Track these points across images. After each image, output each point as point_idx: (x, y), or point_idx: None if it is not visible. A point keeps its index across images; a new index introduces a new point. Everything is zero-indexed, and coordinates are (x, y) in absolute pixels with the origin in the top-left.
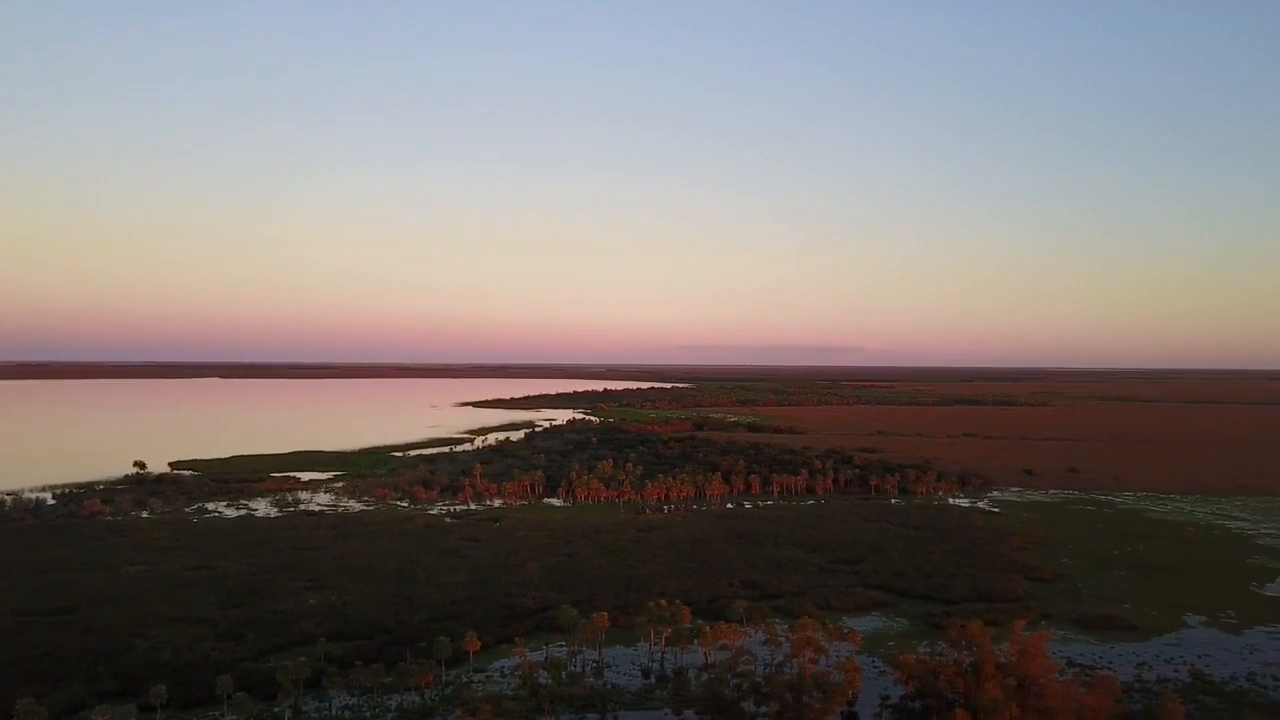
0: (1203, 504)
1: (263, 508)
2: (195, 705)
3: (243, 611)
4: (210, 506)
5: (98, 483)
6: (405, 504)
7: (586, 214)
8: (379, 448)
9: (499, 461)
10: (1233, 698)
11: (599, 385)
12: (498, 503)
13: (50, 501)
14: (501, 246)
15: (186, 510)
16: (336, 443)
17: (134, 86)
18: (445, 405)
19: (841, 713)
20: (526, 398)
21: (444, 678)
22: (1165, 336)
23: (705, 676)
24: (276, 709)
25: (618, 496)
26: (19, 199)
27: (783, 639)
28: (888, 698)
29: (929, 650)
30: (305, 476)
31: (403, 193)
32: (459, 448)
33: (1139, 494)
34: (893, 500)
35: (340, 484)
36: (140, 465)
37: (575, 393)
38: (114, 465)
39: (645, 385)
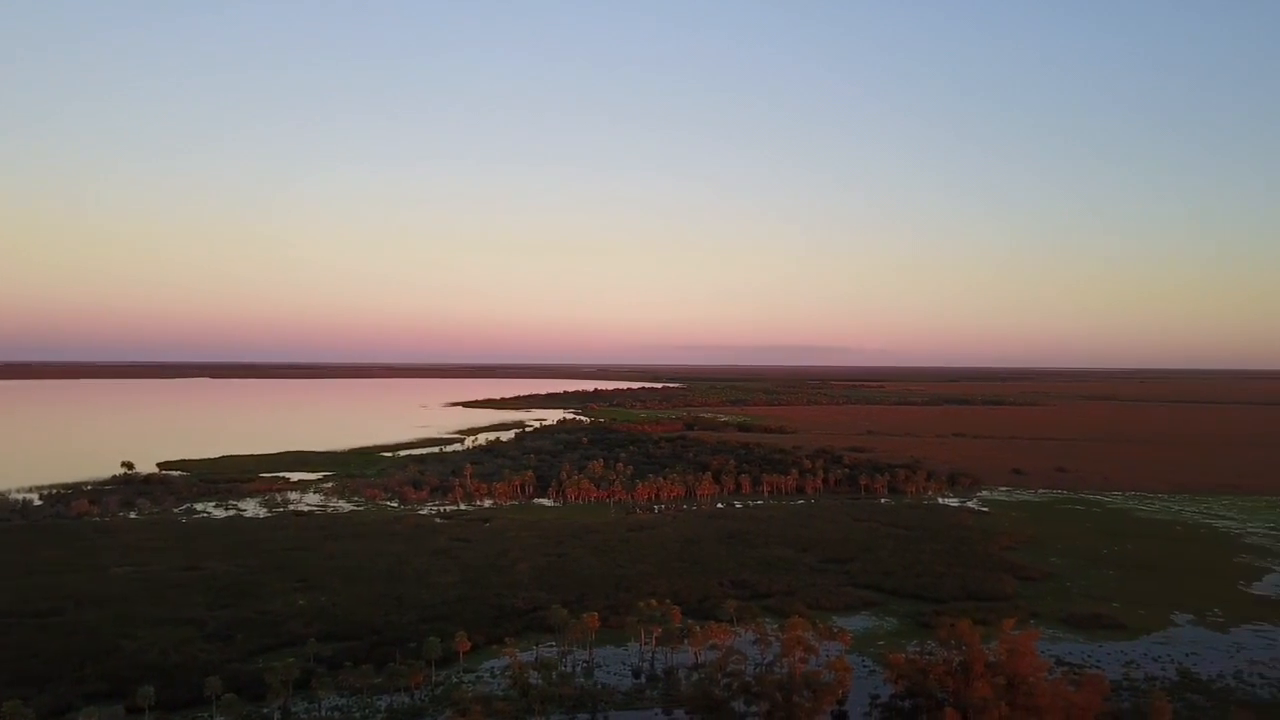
0: (1190, 503)
1: (252, 508)
2: (183, 707)
3: (231, 612)
4: (199, 507)
5: (85, 483)
6: (395, 504)
7: (585, 214)
8: (369, 448)
9: (489, 461)
10: (1220, 696)
11: (589, 385)
12: (488, 503)
13: (37, 502)
14: (500, 246)
15: (175, 511)
16: (326, 443)
17: (131, 86)
18: (435, 405)
19: (831, 712)
20: (517, 398)
21: (434, 678)
22: (1163, 336)
23: (696, 676)
24: (265, 710)
25: (608, 496)
26: (15, 198)
27: (773, 638)
28: (877, 697)
29: (918, 649)
30: (294, 477)
31: (400, 192)
32: (449, 448)
33: (1127, 493)
34: (882, 500)
35: (330, 484)
36: (128, 465)
37: (566, 393)
38: (102, 465)
39: (636, 385)
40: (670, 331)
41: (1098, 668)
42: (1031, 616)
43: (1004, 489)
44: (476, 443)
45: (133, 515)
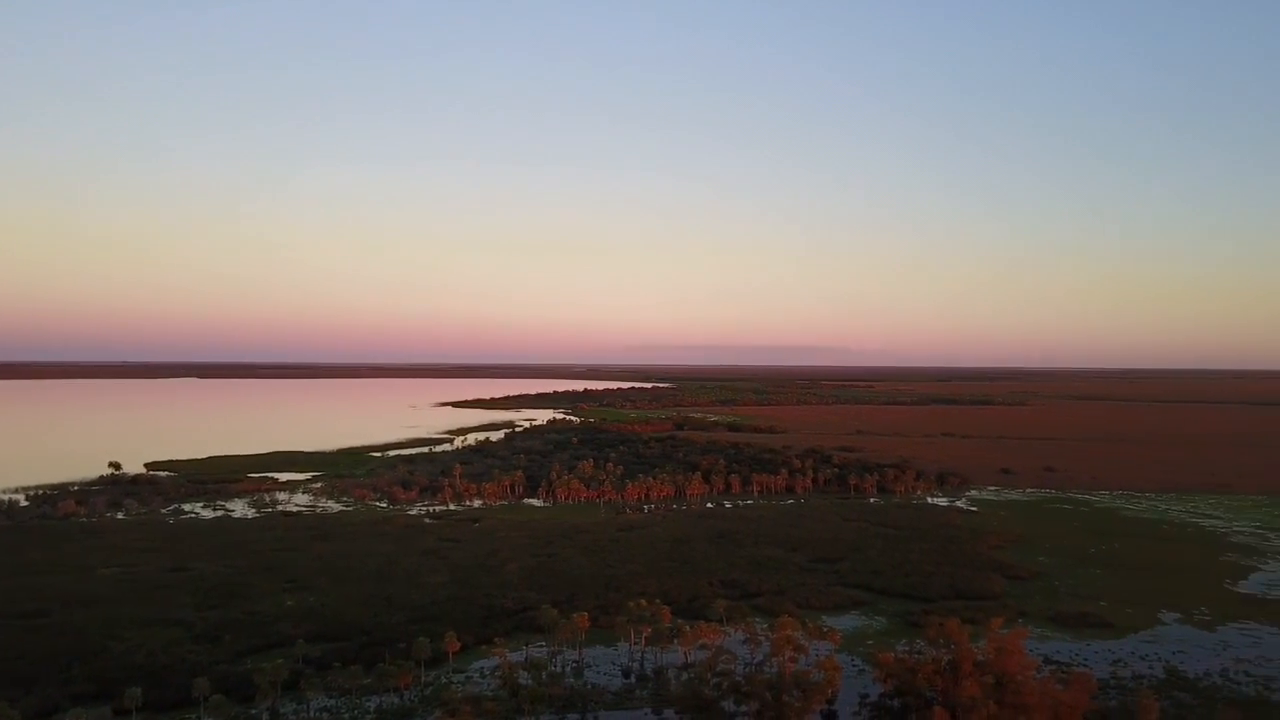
0: (1177, 502)
1: (240, 508)
2: (171, 708)
3: (219, 613)
4: (187, 507)
5: (72, 484)
6: (384, 504)
7: (584, 213)
8: (358, 448)
9: (479, 462)
10: (1206, 694)
11: (579, 385)
12: (477, 503)
13: (23, 503)
14: (499, 247)
15: (162, 511)
16: (315, 443)
17: (128, 85)
18: (424, 406)
19: (821, 711)
20: (507, 398)
21: (423, 679)
22: (1161, 336)
23: (685, 676)
24: (253, 711)
25: (598, 496)
26: (8, 196)
27: (763, 638)
28: (867, 696)
29: (907, 648)
30: (283, 477)
31: (398, 192)
32: (438, 448)
33: (1115, 493)
34: (871, 499)
35: (319, 484)
36: (115, 466)
37: (555, 393)
38: (89, 466)
39: (626, 385)
40: (669, 332)
41: (1085, 666)
42: (1020, 615)
43: (992, 488)
44: (466, 443)
45: (120, 516)
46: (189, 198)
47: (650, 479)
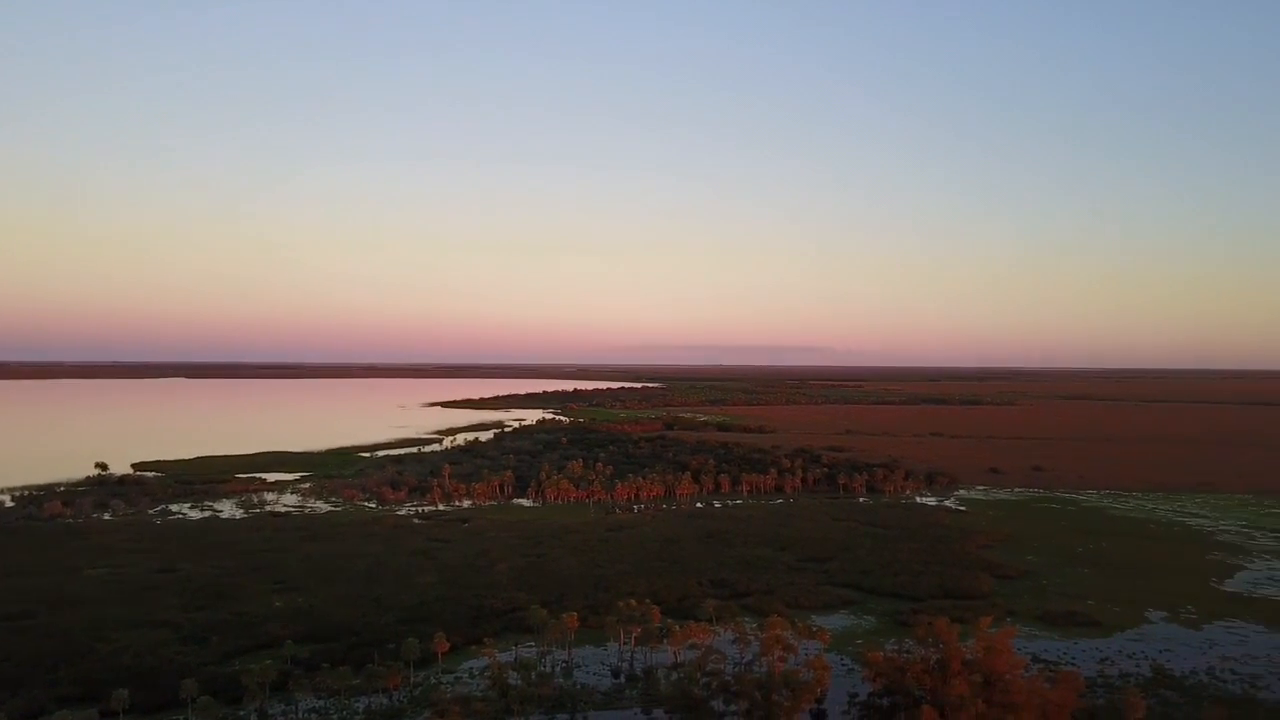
0: (1164, 501)
1: (228, 509)
2: (158, 710)
3: (207, 614)
4: (174, 508)
5: (58, 485)
6: (373, 505)
7: (583, 214)
8: (346, 448)
9: (468, 462)
10: (1193, 692)
11: (569, 385)
12: (466, 503)
13: (9, 504)
14: (498, 247)
15: (150, 512)
16: (303, 443)
17: (125, 84)
18: (414, 406)
19: (810, 710)
20: (496, 398)
21: (412, 679)
22: (1159, 337)
23: (675, 675)
24: (242, 712)
25: (587, 496)
26: (7, 197)
27: (752, 637)
28: (856, 695)
29: (896, 647)
30: (271, 477)
31: (397, 192)
32: (427, 448)
33: (1102, 492)
34: (861, 499)
35: (307, 485)
36: (102, 466)
37: (545, 393)
38: (75, 467)
39: (615, 385)
40: (669, 331)
41: (1073, 665)
42: (1008, 614)
43: (981, 488)
44: (455, 443)
45: (106, 517)
46: (188, 197)
47: (640, 479)
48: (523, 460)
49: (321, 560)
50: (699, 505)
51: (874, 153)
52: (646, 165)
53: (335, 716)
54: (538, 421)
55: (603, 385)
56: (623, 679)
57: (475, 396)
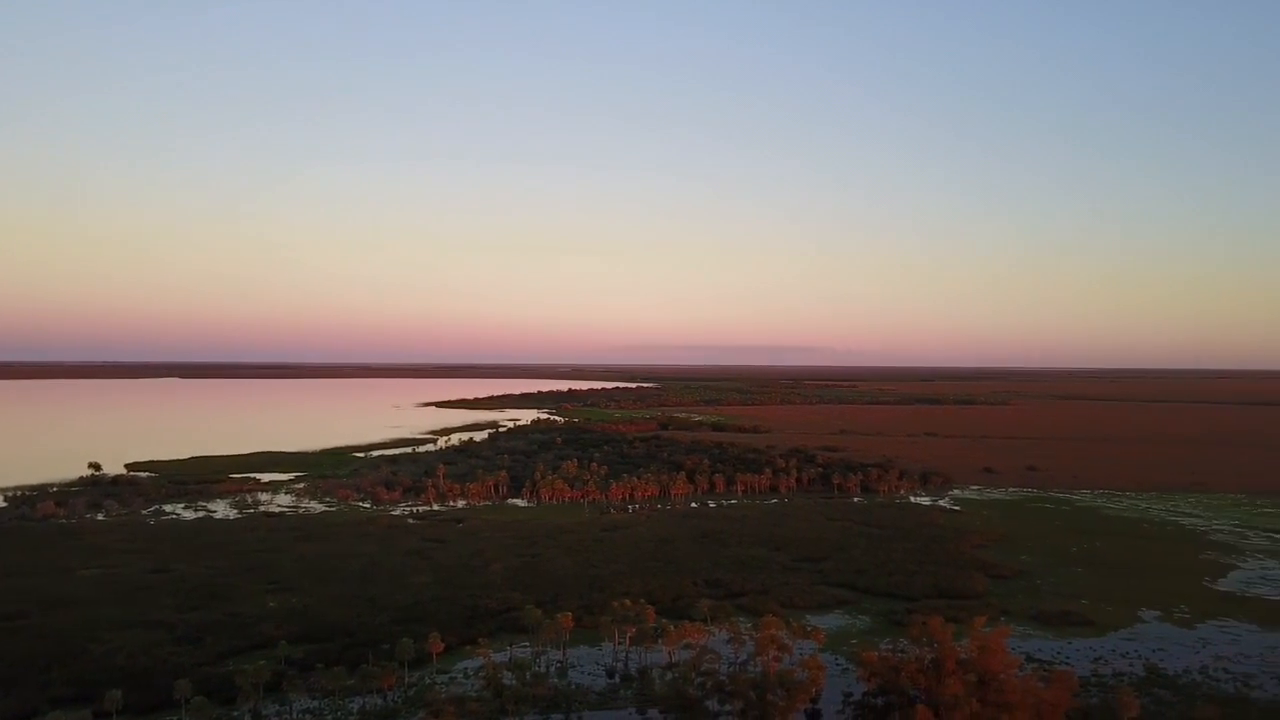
0: (1157, 501)
1: (222, 509)
2: (152, 710)
3: (201, 615)
4: (168, 508)
5: (51, 485)
6: (367, 505)
7: (583, 214)
8: (341, 448)
9: (462, 462)
10: (1186, 691)
11: (564, 385)
12: (461, 503)
13: (2, 504)
14: (497, 247)
15: (143, 512)
16: (298, 443)
17: (123, 84)
18: (408, 406)
19: (805, 710)
20: (491, 398)
21: (407, 679)
22: (1159, 336)
23: (670, 675)
24: (235, 713)
25: (582, 496)
26: (7, 197)
27: (747, 637)
28: (850, 694)
29: (891, 647)
30: (265, 478)
31: (398, 192)
32: (422, 448)
33: (1096, 492)
34: (855, 499)
35: (301, 485)
36: (95, 467)
37: (540, 393)
38: (68, 467)
39: (610, 385)
40: (669, 331)
41: (1067, 664)
42: (1002, 614)
43: (975, 488)
44: (450, 443)
45: (100, 517)
46: (188, 197)
47: (634, 479)
48: (517, 460)
49: (316, 560)
50: (694, 505)
51: (874, 153)
52: (646, 165)
53: (329, 717)
54: (532, 421)
55: (597, 385)
56: (618, 679)
57: (470, 396)
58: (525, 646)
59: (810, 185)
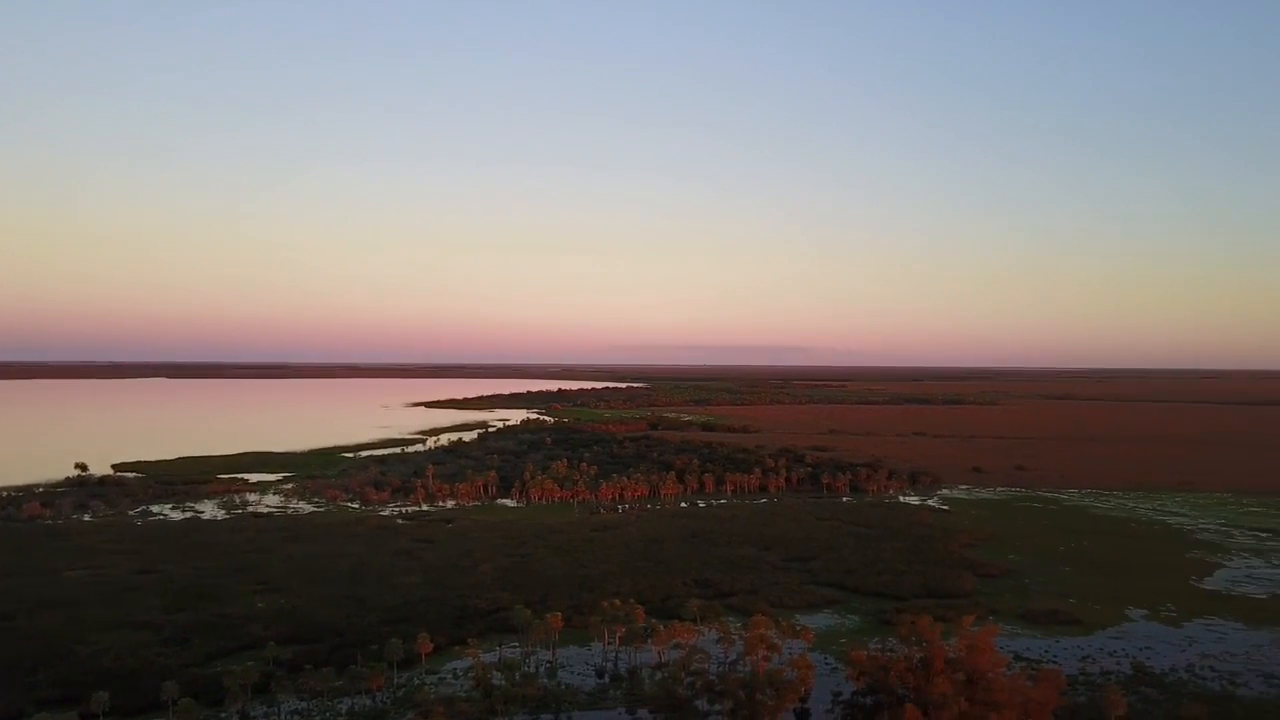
0: (1144, 500)
1: (209, 510)
2: (139, 712)
3: (188, 616)
4: (155, 509)
5: (37, 485)
6: (356, 505)
7: (583, 214)
8: (329, 448)
9: (452, 462)
10: (1172, 689)
11: (554, 385)
12: (450, 504)
13: None
14: (496, 247)
15: (130, 513)
16: (286, 443)
17: (122, 83)
18: (398, 406)
19: (794, 709)
20: (480, 398)
21: (396, 680)
22: (1159, 336)
23: (659, 675)
24: (223, 714)
25: (572, 496)
26: (7, 197)
27: (736, 637)
28: (840, 694)
29: (880, 646)
30: (254, 478)
31: (398, 192)
32: (411, 448)
33: (1084, 491)
34: (844, 498)
35: (290, 485)
36: (82, 467)
37: (529, 393)
38: (54, 467)
39: (600, 385)
40: (669, 332)
41: (1055, 663)
42: (990, 613)
43: (964, 487)
44: (439, 443)
45: (86, 518)
46: (188, 197)
47: (624, 479)
48: (507, 460)
49: (304, 561)
50: (683, 505)
51: (874, 153)
52: (646, 165)
53: (318, 718)
54: (522, 421)
55: (587, 385)
56: (607, 679)
57: (459, 396)
58: (515, 647)
59: (810, 185)
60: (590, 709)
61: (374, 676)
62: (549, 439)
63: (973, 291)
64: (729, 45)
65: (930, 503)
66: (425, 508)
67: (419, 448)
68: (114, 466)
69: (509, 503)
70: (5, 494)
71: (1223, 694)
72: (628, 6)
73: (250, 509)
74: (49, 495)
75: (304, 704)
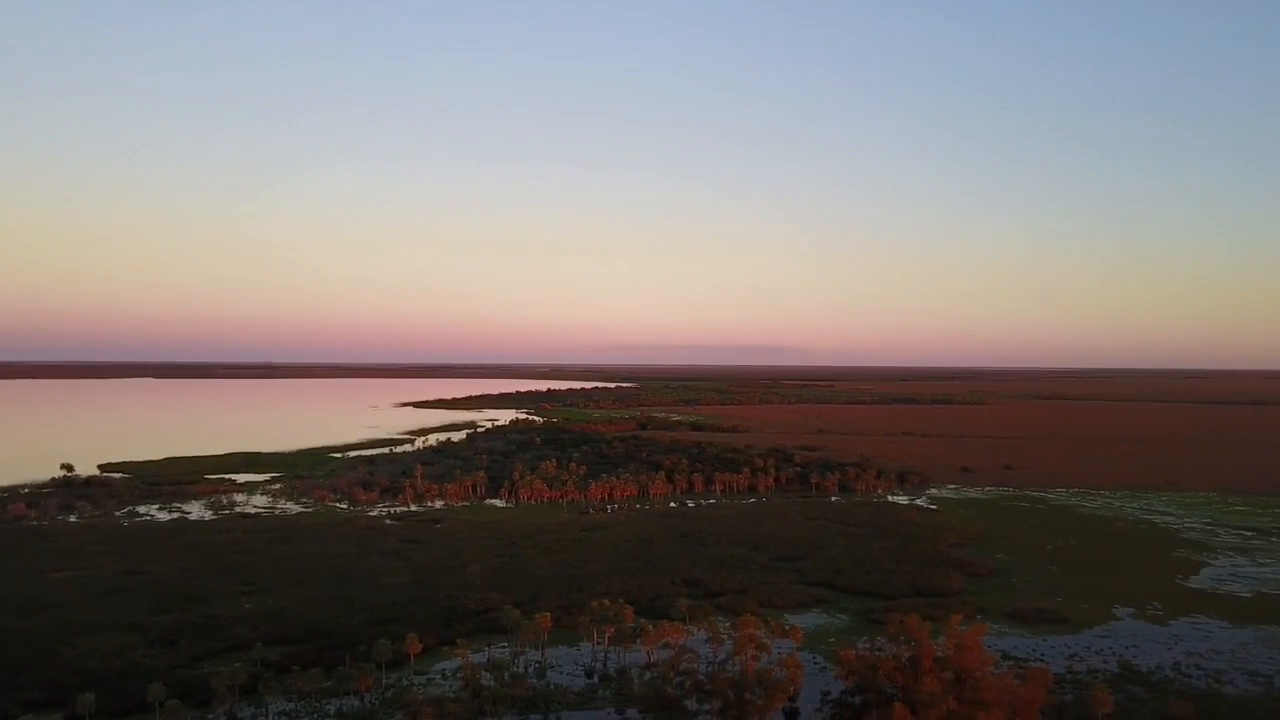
0: (1131, 499)
1: (197, 510)
2: (125, 714)
3: (175, 617)
4: (142, 510)
5: (22, 486)
6: (344, 506)
7: (584, 214)
8: (317, 449)
9: (440, 462)
10: (1159, 687)
11: (542, 385)
12: (439, 504)
13: None
14: (500, 246)
15: (116, 514)
16: (274, 444)
17: (128, 85)
18: (386, 406)
19: (783, 709)
20: (469, 398)
21: (384, 681)
22: (1159, 336)
23: (648, 675)
24: (210, 716)
25: (561, 497)
26: (7, 197)
27: (725, 637)
28: (828, 693)
29: (868, 645)
30: (241, 478)
31: (398, 192)
32: (399, 448)
33: (1071, 490)
34: (833, 498)
35: (277, 486)
36: (68, 468)
37: (518, 393)
38: (40, 468)
39: (589, 385)
40: (669, 332)
41: (1042, 661)
42: (978, 612)
43: (952, 487)
44: (427, 443)
45: (72, 519)
46: (188, 197)
47: (613, 479)
48: (496, 460)
49: (292, 562)
50: (672, 505)
51: (874, 153)
52: (646, 165)
53: (306, 719)
54: (511, 422)
55: (576, 385)
56: (596, 679)
57: (448, 396)
58: (504, 647)
59: (810, 185)
60: (579, 709)
61: (362, 677)
62: (538, 439)
63: (973, 291)
64: (729, 45)
65: (918, 502)
66: (414, 508)
67: (407, 448)
68: (100, 467)
69: (498, 503)
70: None
71: (1208, 692)
72: (628, 6)
73: (238, 509)
74: (34, 496)
75: (292, 705)
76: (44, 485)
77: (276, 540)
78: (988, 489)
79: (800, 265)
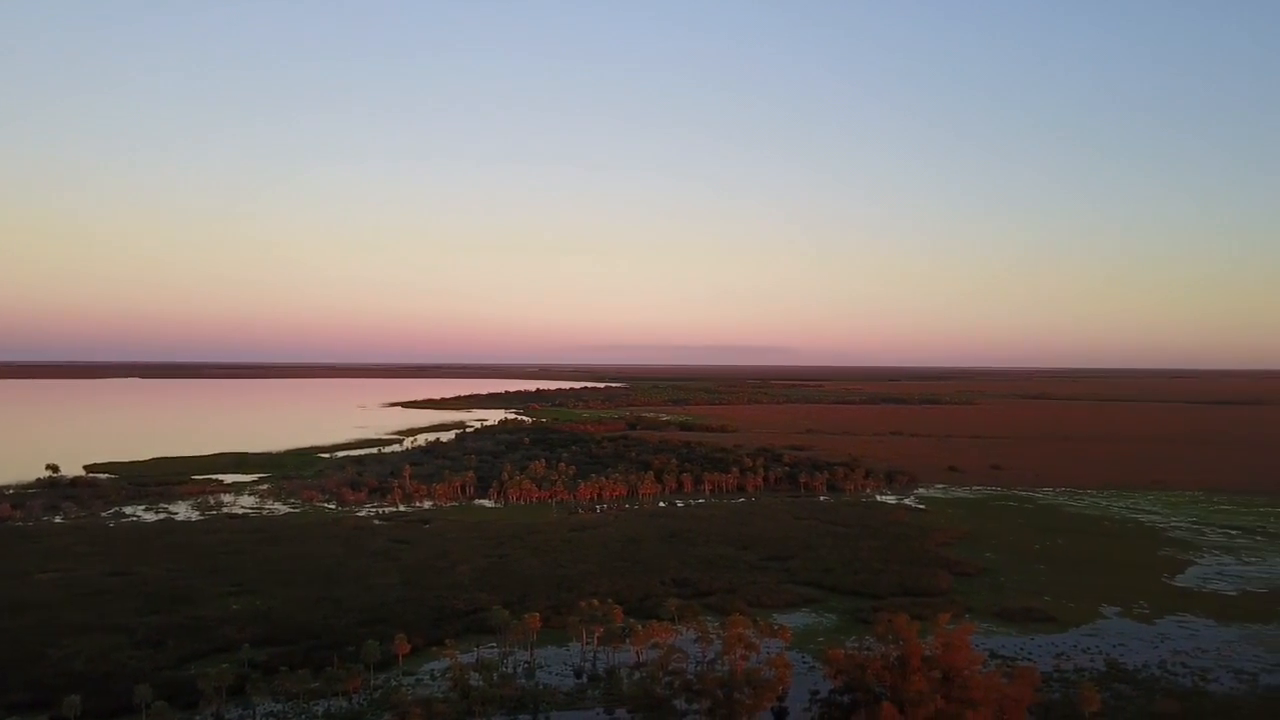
0: (1118, 499)
1: (184, 511)
2: (111, 716)
3: (162, 618)
4: (128, 510)
5: (7, 487)
6: (332, 506)
7: (584, 214)
8: (306, 449)
9: (429, 462)
10: (1145, 685)
11: (531, 385)
12: (428, 504)
13: None
14: (500, 246)
15: (103, 515)
16: (262, 444)
17: (128, 85)
18: (374, 406)
19: (772, 708)
20: (457, 398)
21: (372, 682)
22: (1159, 336)
23: (637, 675)
24: (197, 717)
25: (550, 497)
26: (7, 197)
27: (714, 636)
28: (817, 692)
29: (857, 645)
30: (229, 479)
31: (398, 192)
32: (388, 449)
33: (1058, 490)
34: (822, 498)
35: (265, 486)
36: (53, 468)
37: (507, 393)
38: (24, 469)
39: (578, 385)
40: (669, 332)
41: (1030, 660)
42: (966, 611)
43: (940, 486)
44: (416, 443)
45: (58, 519)
46: (188, 197)
47: (602, 479)
48: (484, 460)
49: (280, 562)
50: (661, 505)
51: (874, 153)
52: (646, 165)
53: None
54: (500, 422)
55: (565, 385)
56: (585, 679)
57: (437, 396)
58: (492, 647)
59: (810, 185)
60: (568, 709)
61: (350, 678)
62: (527, 439)
63: (973, 291)
64: (729, 45)
65: (907, 502)
66: (402, 508)
67: (396, 448)
68: (86, 467)
69: (487, 503)
70: None
71: (1194, 690)
72: (628, 6)
73: (225, 510)
74: (19, 497)
75: (280, 706)
76: (29, 486)
77: (264, 541)
78: (975, 488)
79: (800, 265)
